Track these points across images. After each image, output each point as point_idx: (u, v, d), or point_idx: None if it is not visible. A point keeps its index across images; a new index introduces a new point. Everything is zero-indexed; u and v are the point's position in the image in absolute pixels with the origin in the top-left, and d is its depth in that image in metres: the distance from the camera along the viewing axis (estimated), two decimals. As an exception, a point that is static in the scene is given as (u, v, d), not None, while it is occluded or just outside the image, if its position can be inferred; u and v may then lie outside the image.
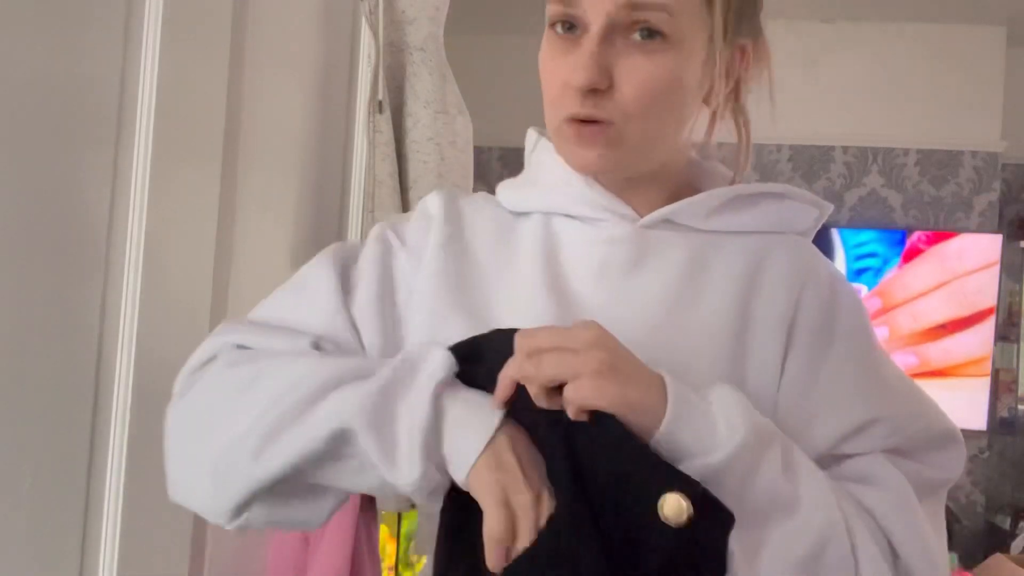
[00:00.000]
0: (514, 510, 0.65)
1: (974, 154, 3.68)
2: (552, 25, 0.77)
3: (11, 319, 1.02)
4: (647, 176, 0.82)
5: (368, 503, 1.64)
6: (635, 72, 0.74)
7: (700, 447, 0.66)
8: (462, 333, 0.75)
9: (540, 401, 0.67)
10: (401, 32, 1.75)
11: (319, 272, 0.82)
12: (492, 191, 0.90)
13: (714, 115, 0.83)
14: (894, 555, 0.73)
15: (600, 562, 0.62)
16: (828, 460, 0.76)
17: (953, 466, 0.81)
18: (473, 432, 0.68)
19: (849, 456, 0.77)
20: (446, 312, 0.79)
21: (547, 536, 0.64)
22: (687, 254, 0.81)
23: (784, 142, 3.76)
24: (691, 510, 0.61)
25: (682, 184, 0.85)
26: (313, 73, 1.70)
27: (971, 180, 3.70)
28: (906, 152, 3.73)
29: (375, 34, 1.70)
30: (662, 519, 0.61)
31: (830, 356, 0.79)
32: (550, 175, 0.84)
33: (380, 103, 1.69)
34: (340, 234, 1.82)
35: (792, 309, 0.79)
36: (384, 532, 1.88)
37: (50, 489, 1.07)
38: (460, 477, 0.68)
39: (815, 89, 3.48)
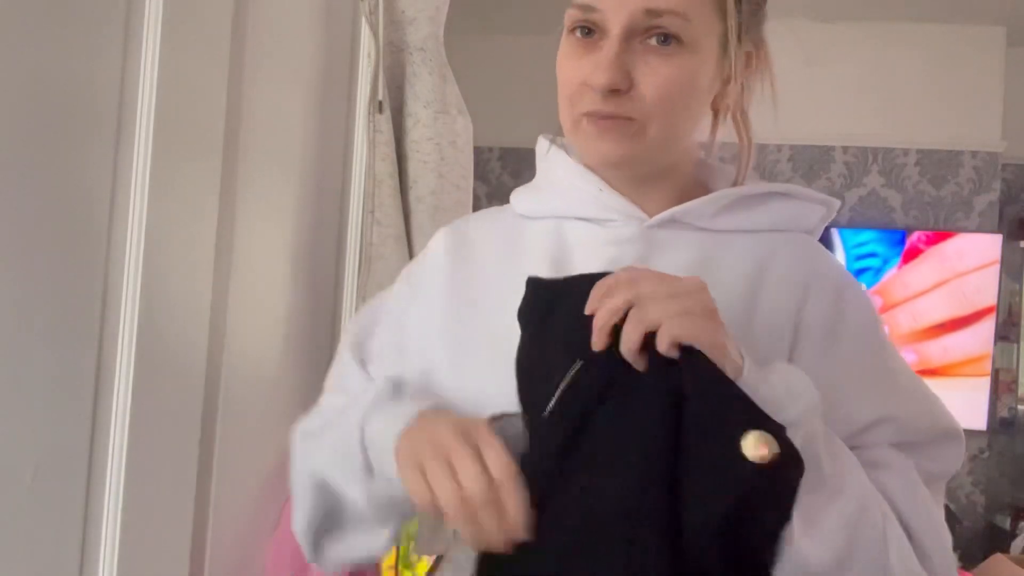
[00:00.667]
0: (426, 473, 0.69)
1: (974, 154, 3.68)
2: (572, 30, 0.80)
3: (11, 318, 1.02)
4: (657, 177, 0.84)
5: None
6: (655, 74, 0.77)
7: (771, 405, 0.67)
8: (481, 354, 0.81)
9: (632, 350, 0.67)
10: (401, 32, 1.75)
11: (346, 369, 0.93)
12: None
13: (716, 117, 0.86)
14: (908, 535, 0.75)
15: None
16: None
17: (952, 460, 0.84)
18: (387, 428, 0.75)
19: (855, 447, 0.79)
20: (463, 338, 0.83)
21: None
22: (694, 253, 0.83)
23: (784, 142, 3.76)
24: (776, 449, 0.61)
25: (691, 184, 0.87)
26: (313, 73, 1.70)
27: (971, 180, 3.70)
28: (906, 152, 3.73)
29: (375, 34, 1.70)
30: (744, 456, 0.61)
31: (839, 353, 0.80)
32: (563, 179, 0.87)
33: (380, 103, 1.69)
34: (340, 234, 1.82)
35: (797, 307, 0.81)
36: (384, 532, 1.88)
37: (50, 489, 1.07)
38: (391, 472, 0.74)
39: (815, 89, 3.48)
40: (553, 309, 0.73)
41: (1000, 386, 3.69)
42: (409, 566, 1.99)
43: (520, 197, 0.92)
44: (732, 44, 0.80)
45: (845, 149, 3.76)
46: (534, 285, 0.76)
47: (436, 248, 0.92)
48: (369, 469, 0.77)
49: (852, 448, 0.78)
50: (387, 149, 1.69)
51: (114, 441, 1.16)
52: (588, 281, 0.71)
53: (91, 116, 1.13)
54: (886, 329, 0.87)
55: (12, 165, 1.01)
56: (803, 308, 0.81)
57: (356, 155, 1.83)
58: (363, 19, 1.76)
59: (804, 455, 0.64)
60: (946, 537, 0.78)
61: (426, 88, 1.73)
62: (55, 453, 1.08)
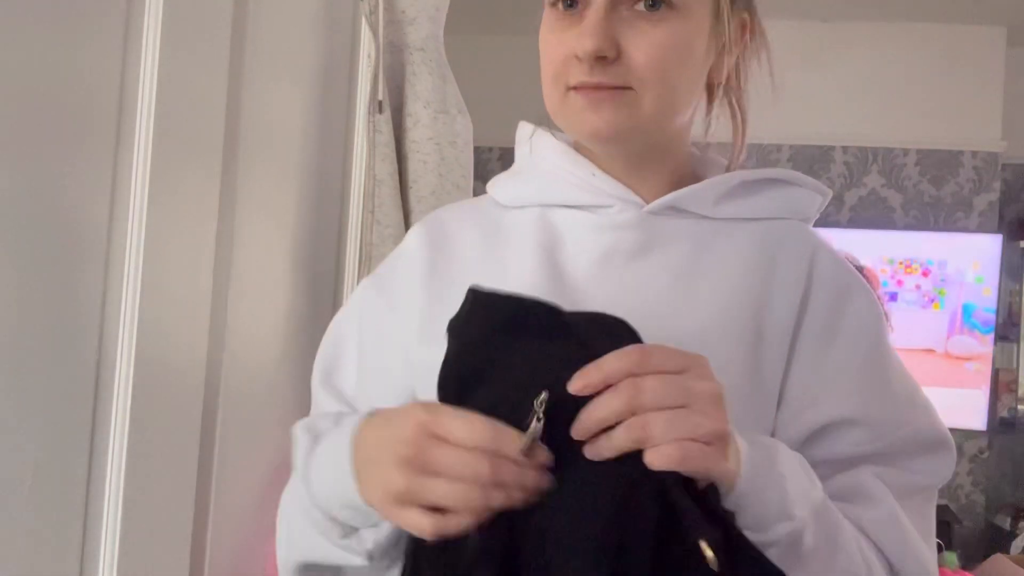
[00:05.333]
0: (411, 499, 0.60)
1: (974, 154, 3.68)
2: (553, 3, 0.76)
3: (11, 319, 1.02)
4: (650, 159, 0.81)
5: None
6: (644, 39, 0.72)
7: (758, 522, 0.64)
8: None
9: (612, 454, 0.59)
10: (401, 32, 1.75)
11: (318, 407, 0.87)
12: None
13: (711, 95, 0.82)
14: (891, 569, 0.73)
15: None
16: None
17: (940, 471, 0.79)
18: (331, 475, 0.68)
19: (829, 462, 0.76)
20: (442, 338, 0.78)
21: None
22: (695, 240, 0.79)
23: (784, 142, 3.76)
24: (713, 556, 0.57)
25: (685, 173, 0.84)
26: (313, 73, 1.70)
27: (971, 180, 3.69)
28: (906, 152, 3.73)
29: (375, 34, 1.70)
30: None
31: (833, 348, 0.77)
32: (550, 164, 0.83)
33: (380, 103, 1.69)
34: (340, 234, 1.82)
35: (801, 298, 0.78)
36: (384, 532, 1.88)
37: (50, 489, 1.07)
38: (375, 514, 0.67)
39: (815, 89, 3.48)
40: (500, 330, 0.64)
41: (1000, 386, 3.69)
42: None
43: (500, 185, 0.86)
44: (725, 9, 0.76)
45: (845, 149, 3.76)
46: (476, 296, 0.67)
47: (410, 248, 0.85)
48: (341, 527, 0.69)
49: (830, 464, 0.75)
50: (387, 149, 1.69)
51: (114, 441, 1.16)
52: (547, 311, 0.64)
53: (91, 116, 1.13)
54: (888, 332, 0.83)
55: (11, 165, 1.01)
56: (807, 298, 0.78)
57: (356, 155, 1.83)
58: (363, 19, 1.76)
59: (784, 562, 0.62)
60: (931, 565, 0.75)
61: (426, 88, 1.73)
62: (55, 453, 1.08)
